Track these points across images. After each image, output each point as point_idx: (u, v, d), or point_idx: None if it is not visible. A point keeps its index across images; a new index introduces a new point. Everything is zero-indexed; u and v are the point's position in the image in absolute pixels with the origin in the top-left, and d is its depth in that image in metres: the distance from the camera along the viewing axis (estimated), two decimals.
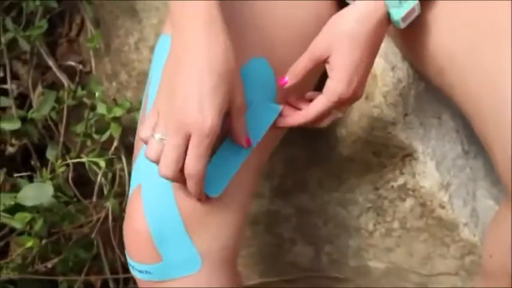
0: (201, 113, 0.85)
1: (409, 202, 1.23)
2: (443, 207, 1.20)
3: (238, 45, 0.91)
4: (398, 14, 0.94)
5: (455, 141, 1.23)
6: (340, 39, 0.93)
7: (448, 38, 0.97)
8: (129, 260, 0.97)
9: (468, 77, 0.93)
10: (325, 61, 0.95)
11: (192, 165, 0.87)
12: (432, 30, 0.98)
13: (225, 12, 0.89)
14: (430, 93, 1.19)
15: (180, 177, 0.88)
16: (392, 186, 1.23)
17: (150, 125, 0.89)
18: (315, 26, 1.01)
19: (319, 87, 0.98)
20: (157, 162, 0.88)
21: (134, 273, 0.98)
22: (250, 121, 0.94)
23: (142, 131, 0.89)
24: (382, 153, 1.20)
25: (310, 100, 0.98)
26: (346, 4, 0.98)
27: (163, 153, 0.87)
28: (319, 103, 0.96)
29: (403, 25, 0.95)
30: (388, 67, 1.15)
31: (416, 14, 0.96)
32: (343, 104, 0.96)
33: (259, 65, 0.98)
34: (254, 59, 0.97)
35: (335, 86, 0.94)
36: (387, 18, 0.94)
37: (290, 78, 0.97)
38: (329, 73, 0.95)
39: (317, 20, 1.03)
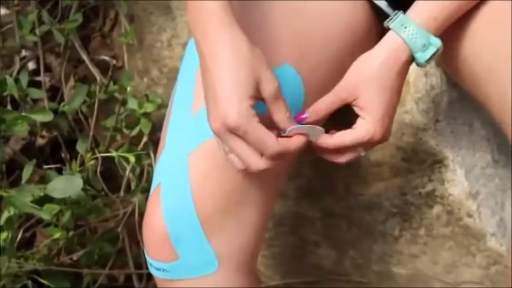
0: (227, 108, 0.84)
1: (436, 209, 1.22)
2: (470, 215, 1.19)
3: (269, 47, 0.91)
4: (422, 57, 0.93)
5: (486, 150, 1.22)
6: (367, 82, 0.92)
7: (486, 50, 0.96)
8: (147, 257, 0.98)
9: (506, 88, 0.92)
10: (351, 104, 0.94)
11: (250, 161, 0.87)
12: (469, 42, 0.98)
13: (255, 13, 0.89)
14: (462, 100, 1.18)
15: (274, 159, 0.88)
16: (420, 193, 1.22)
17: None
18: (346, 35, 1.01)
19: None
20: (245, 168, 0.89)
21: (152, 270, 0.98)
22: None
23: None
24: (411, 159, 1.19)
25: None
26: (379, 15, 0.98)
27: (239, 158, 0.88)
28: (348, 137, 0.94)
29: (426, 65, 0.95)
30: (421, 73, 1.15)
31: (439, 52, 0.95)
32: (371, 144, 0.95)
33: (287, 73, 0.97)
34: (281, 66, 0.96)
35: (368, 127, 0.92)
36: (411, 59, 0.94)
37: (311, 115, 0.94)
38: (360, 113, 0.93)
39: (348, 29, 1.02)
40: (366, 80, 0.92)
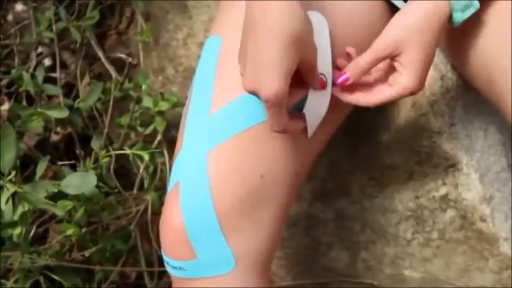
0: (266, 78, 0.85)
1: (450, 213, 1.22)
2: (484, 220, 1.19)
3: None
4: (460, 17, 0.93)
5: (501, 154, 1.22)
6: (411, 36, 0.92)
7: (500, 51, 0.96)
8: (164, 256, 0.98)
9: None
10: (393, 58, 0.94)
11: (272, 124, 0.89)
12: (483, 43, 0.98)
13: None
14: (478, 104, 1.18)
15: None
16: (434, 196, 1.22)
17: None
18: (365, 35, 1.00)
19: None
20: None
21: (168, 268, 0.99)
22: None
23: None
24: (426, 162, 1.19)
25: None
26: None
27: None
28: (387, 94, 0.94)
29: (457, 25, 0.95)
30: (437, 76, 1.15)
31: (472, 15, 0.95)
32: (409, 95, 0.95)
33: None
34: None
35: (408, 83, 0.92)
36: (449, 18, 0.94)
37: (352, 75, 0.94)
38: (399, 69, 0.93)
39: (367, 29, 1.02)
40: (410, 33, 0.92)
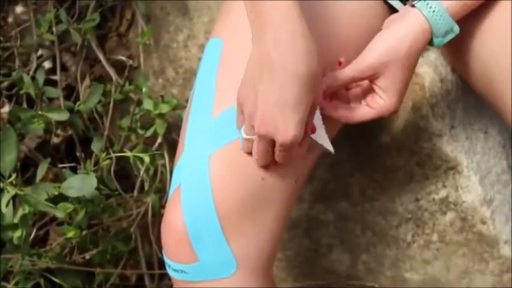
0: (284, 123, 0.85)
1: (450, 215, 1.22)
2: (484, 222, 1.19)
3: None
4: (440, 42, 0.95)
5: (501, 156, 1.22)
6: (391, 61, 0.94)
7: (500, 51, 0.96)
8: (165, 259, 0.98)
9: None
10: (372, 81, 0.96)
11: (283, 160, 0.90)
12: (483, 44, 0.98)
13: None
14: (478, 106, 1.18)
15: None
16: (434, 199, 1.22)
17: (238, 120, 0.92)
18: (364, 35, 1.01)
19: None
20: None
21: (170, 272, 0.98)
22: None
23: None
24: (426, 164, 1.19)
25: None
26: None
27: (253, 149, 0.91)
28: (367, 115, 0.97)
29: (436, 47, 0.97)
30: (437, 78, 1.15)
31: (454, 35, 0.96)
32: (389, 115, 0.98)
33: None
34: None
35: (388, 105, 0.95)
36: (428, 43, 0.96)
37: (329, 87, 0.96)
38: (379, 93, 0.95)
39: (367, 29, 1.02)
40: (390, 61, 0.94)
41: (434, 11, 0.93)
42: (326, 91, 0.96)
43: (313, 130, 0.92)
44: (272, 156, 0.91)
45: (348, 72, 0.95)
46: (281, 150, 0.88)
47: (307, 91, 0.85)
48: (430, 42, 0.95)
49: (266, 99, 0.85)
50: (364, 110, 0.97)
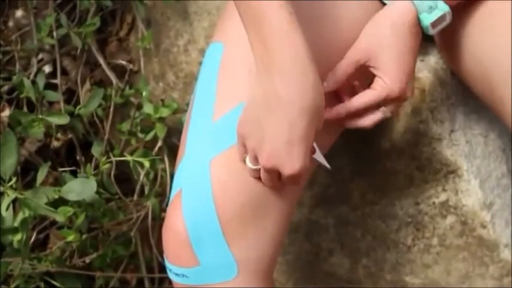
0: (291, 157, 0.86)
1: (450, 219, 1.22)
2: (484, 226, 1.19)
3: None
4: (427, 19, 0.95)
5: (501, 160, 1.22)
6: (378, 44, 0.95)
7: (501, 53, 0.96)
8: (166, 263, 0.98)
9: None
10: (366, 66, 0.96)
11: (268, 184, 0.92)
12: (485, 45, 0.98)
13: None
14: (478, 110, 1.18)
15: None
16: (434, 203, 1.22)
17: (239, 152, 0.92)
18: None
19: None
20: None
21: (171, 276, 0.98)
22: None
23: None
24: (426, 168, 1.19)
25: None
26: None
27: (261, 176, 0.91)
28: (366, 96, 0.96)
29: (432, 32, 0.96)
30: (437, 82, 1.15)
31: (447, 22, 0.96)
32: (391, 101, 0.97)
33: None
34: None
35: (383, 84, 0.95)
36: (418, 22, 0.96)
37: (330, 85, 0.97)
38: (376, 73, 0.96)
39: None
40: (377, 41, 0.95)
41: None
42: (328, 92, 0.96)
43: (313, 152, 0.93)
44: (280, 179, 0.91)
45: (343, 63, 0.96)
46: (289, 180, 0.89)
47: (314, 124, 0.86)
48: (422, 25, 0.96)
49: (275, 137, 0.86)
50: (368, 92, 0.96)
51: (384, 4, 1.00)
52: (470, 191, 1.18)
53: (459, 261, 1.24)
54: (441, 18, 0.95)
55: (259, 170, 0.91)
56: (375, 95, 0.95)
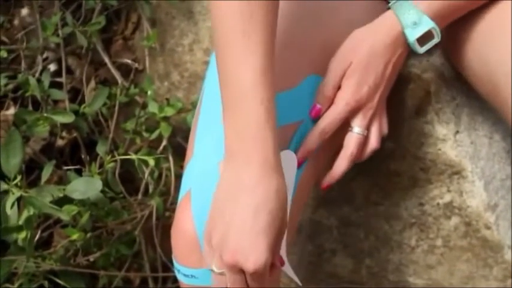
0: (255, 248, 0.84)
1: (454, 220, 1.22)
2: (488, 227, 1.19)
3: (296, 59, 0.92)
4: (412, 35, 0.94)
5: (506, 161, 1.22)
6: (356, 52, 0.96)
7: (506, 53, 0.96)
8: (175, 264, 0.98)
9: None
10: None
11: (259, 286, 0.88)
12: (491, 47, 0.98)
13: (281, 25, 0.89)
14: (483, 112, 1.18)
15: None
16: (438, 203, 1.22)
17: (206, 255, 0.90)
18: None
19: None
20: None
21: (179, 276, 0.98)
22: (299, 139, 0.96)
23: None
24: (430, 169, 1.19)
25: None
26: None
27: (227, 281, 0.88)
28: (331, 113, 0.97)
29: (421, 50, 0.97)
30: (442, 83, 1.15)
31: (435, 41, 0.96)
32: (355, 112, 0.98)
33: (314, 83, 0.99)
34: (308, 77, 0.98)
35: (340, 92, 0.96)
36: (404, 40, 0.96)
37: (321, 103, 0.98)
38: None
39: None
40: (358, 48, 0.96)
41: (401, 5, 0.95)
42: (319, 112, 0.98)
43: (282, 263, 0.92)
44: (246, 284, 0.88)
45: (325, 78, 0.97)
46: (254, 278, 0.86)
47: (282, 217, 0.85)
48: (407, 41, 0.96)
49: (239, 225, 0.84)
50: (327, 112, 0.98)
51: (388, 3, 1.00)
52: (474, 192, 1.18)
53: (463, 262, 1.24)
54: (428, 35, 0.95)
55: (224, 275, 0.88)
56: (336, 108, 0.97)
